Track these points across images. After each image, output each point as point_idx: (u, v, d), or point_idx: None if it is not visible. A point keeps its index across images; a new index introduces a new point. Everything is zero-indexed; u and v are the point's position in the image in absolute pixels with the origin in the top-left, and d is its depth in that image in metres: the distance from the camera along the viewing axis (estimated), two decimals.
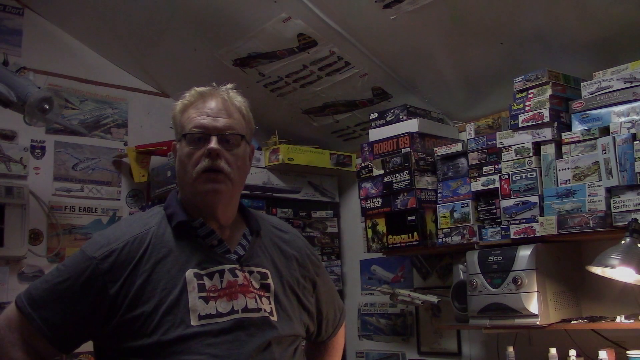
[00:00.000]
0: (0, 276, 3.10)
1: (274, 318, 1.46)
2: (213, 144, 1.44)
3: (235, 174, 1.48)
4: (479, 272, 2.49)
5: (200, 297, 1.39)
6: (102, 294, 1.38)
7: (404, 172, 2.84)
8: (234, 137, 1.48)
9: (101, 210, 3.50)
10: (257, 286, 1.47)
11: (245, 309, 1.42)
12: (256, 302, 1.44)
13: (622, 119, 2.25)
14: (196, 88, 1.52)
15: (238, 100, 1.53)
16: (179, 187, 1.54)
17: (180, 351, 1.34)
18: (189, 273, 1.41)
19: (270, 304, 1.48)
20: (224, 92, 1.52)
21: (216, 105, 1.48)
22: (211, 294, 1.40)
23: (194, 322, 1.36)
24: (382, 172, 2.93)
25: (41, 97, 2.72)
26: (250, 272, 1.48)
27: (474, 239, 2.61)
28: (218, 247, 1.48)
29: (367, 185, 2.99)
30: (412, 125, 2.91)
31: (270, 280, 1.50)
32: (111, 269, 1.39)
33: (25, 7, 3.38)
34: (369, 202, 2.98)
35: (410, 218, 2.82)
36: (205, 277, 1.42)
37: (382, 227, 2.94)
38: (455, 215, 2.69)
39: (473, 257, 2.54)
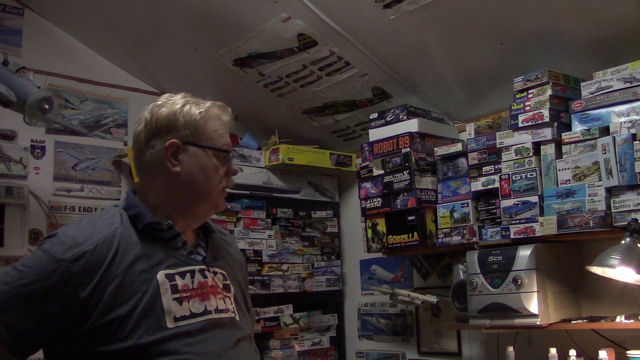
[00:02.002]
0: None
1: (237, 318, 1.50)
2: (235, 166, 1.54)
3: None
4: (479, 272, 2.49)
5: (174, 299, 1.39)
6: (71, 298, 1.32)
7: (404, 172, 2.84)
8: None
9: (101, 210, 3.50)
10: (221, 287, 1.50)
11: (217, 310, 1.45)
12: (224, 302, 1.48)
13: (622, 119, 2.25)
14: (212, 102, 1.55)
15: None
16: (186, 192, 1.48)
17: (160, 353, 1.33)
18: (161, 275, 1.40)
19: (232, 304, 1.51)
20: (229, 112, 1.59)
21: (229, 124, 1.57)
22: (184, 294, 1.40)
23: (169, 324, 1.36)
24: (382, 172, 2.93)
25: (41, 97, 2.72)
26: (215, 273, 1.51)
27: (474, 239, 2.61)
28: (182, 249, 1.48)
29: (367, 185, 2.99)
30: (412, 125, 2.91)
31: (229, 281, 1.54)
32: (81, 272, 1.33)
33: (25, 7, 3.38)
34: (369, 202, 2.98)
35: (410, 218, 2.82)
36: (177, 277, 1.42)
37: (382, 227, 2.94)
38: (455, 215, 2.69)
39: (473, 257, 2.54)
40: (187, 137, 1.47)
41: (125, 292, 1.35)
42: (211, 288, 1.46)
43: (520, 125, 2.48)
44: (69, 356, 1.38)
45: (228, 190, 1.54)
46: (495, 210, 2.56)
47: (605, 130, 2.28)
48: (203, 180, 1.48)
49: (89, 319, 1.32)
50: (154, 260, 1.41)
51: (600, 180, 2.24)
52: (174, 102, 1.50)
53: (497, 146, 2.56)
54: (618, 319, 2.26)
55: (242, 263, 1.73)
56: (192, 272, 1.44)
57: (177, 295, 1.39)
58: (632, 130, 2.20)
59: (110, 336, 1.33)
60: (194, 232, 1.56)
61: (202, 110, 1.50)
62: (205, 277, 1.46)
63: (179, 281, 1.41)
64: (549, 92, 2.43)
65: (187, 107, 1.49)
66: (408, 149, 2.85)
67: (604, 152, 2.24)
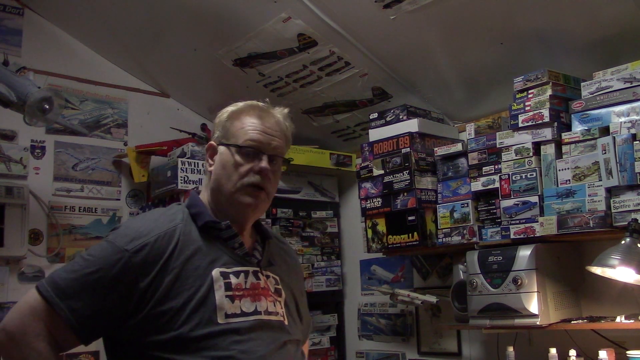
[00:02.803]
0: (0, 276, 3.10)
1: (286, 322, 1.54)
2: (265, 163, 1.52)
3: (272, 192, 1.58)
4: (479, 272, 2.49)
5: (226, 296, 1.43)
6: (132, 287, 1.39)
7: (404, 172, 2.84)
8: (280, 159, 1.58)
9: (101, 210, 3.50)
10: (272, 290, 1.55)
11: (267, 312, 1.49)
12: (274, 305, 1.52)
13: (622, 119, 2.25)
14: (251, 102, 1.61)
15: (288, 124, 1.62)
16: (214, 189, 1.56)
17: (209, 347, 1.38)
18: (216, 272, 1.45)
19: (281, 308, 1.55)
20: (279, 114, 1.61)
21: (273, 125, 1.57)
22: (236, 293, 1.45)
23: (220, 319, 1.41)
24: (382, 172, 2.93)
25: (41, 97, 2.72)
26: (267, 277, 1.56)
27: (474, 239, 2.61)
28: (239, 249, 1.53)
29: (367, 185, 2.99)
30: (412, 125, 2.91)
31: (281, 286, 1.59)
32: (143, 262, 1.40)
33: (25, 7, 3.38)
34: (369, 202, 2.98)
35: (410, 218, 2.82)
36: (231, 275, 1.47)
37: (382, 227, 2.94)
38: (455, 215, 2.69)
39: (473, 257, 2.54)
40: (219, 138, 1.57)
41: (180, 285, 1.41)
42: (263, 290, 1.51)
43: (520, 125, 2.47)
44: (124, 344, 1.44)
45: (253, 186, 1.51)
46: (495, 210, 2.56)
47: (605, 130, 2.28)
48: (223, 177, 1.53)
49: (145, 308, 1.39)
50: (210, 257, 1.47)
51: (600, 180, 2.23)
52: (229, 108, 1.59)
53: (497, 146, 2.56)
54: (618, 319, 2.26)
55: (300, 273, 1.79)
56: (246, 273, 1.50)
57: (229, 293, 1.44)
58: (632, 130, 2.20)
59: (163, 326, 1.39)
60: (252, 237, 1.62)
61: (231, 110, 1.57)
62: (258, 279, 1.51)
63: (232, 279, 1.46)
64: (549, 92, 2.43)
65: (226, 110, 1.58)
66: (408, 149, 2.85)
67: (604, 152, 2.23)
